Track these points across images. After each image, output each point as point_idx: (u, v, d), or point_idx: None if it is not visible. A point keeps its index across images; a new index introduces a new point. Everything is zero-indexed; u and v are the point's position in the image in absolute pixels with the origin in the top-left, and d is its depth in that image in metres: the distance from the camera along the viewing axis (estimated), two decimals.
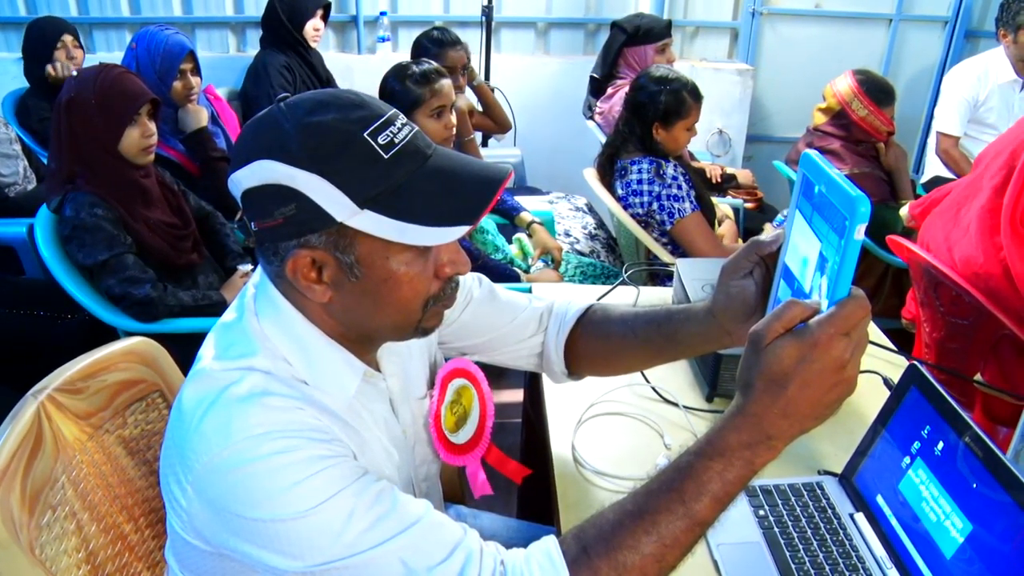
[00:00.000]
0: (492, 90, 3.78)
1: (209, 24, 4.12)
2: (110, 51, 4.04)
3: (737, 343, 1.01)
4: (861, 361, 0.81)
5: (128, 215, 2.13)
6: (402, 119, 0.90)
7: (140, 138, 2.14)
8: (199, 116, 2.77)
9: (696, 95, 2.56)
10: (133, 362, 1.25)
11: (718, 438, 0.84)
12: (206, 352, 0.96)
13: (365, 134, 0.86)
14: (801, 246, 0.85)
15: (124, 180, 2.15)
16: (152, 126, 2.18)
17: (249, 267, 2.42)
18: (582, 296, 1.35)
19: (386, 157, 0.86)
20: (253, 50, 3.72)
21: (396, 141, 0.87)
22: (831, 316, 0.77)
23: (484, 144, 4.10)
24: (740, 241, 2.82)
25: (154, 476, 1.25)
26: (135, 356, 1.26)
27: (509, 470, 1.30)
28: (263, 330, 0.95)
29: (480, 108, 3.74)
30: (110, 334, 2.16)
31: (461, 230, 0.88)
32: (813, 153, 0.84)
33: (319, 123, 0.86)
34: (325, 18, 3.61)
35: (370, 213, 0.86)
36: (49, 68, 3.22)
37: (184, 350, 1.65)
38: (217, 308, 2.23)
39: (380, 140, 0.86)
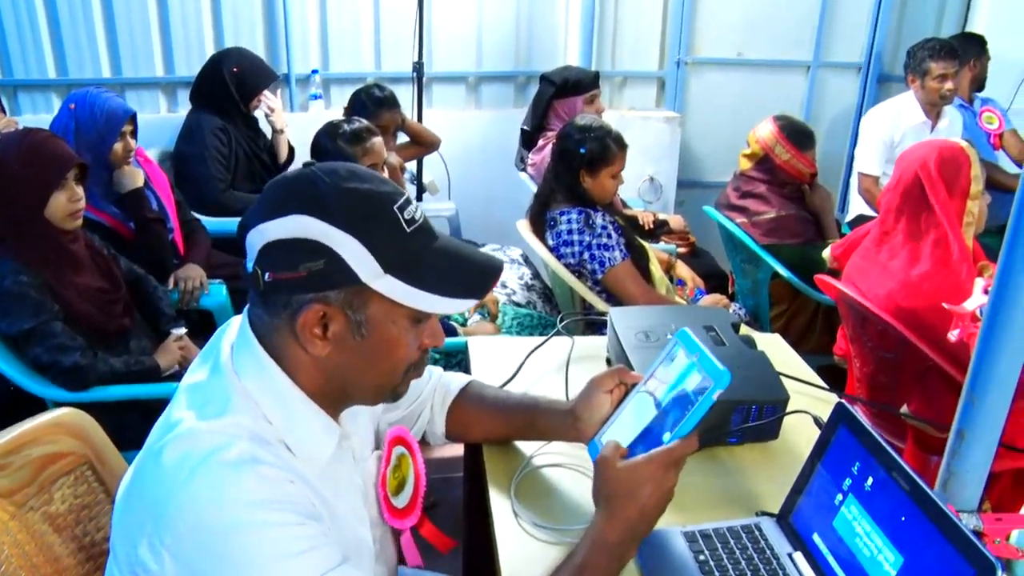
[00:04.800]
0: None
1: (138, 85, 4.09)
2: (36, 113, 3.96)
3: (585, 441, 1.26)
4: None
5: (55, 281, 2.08)
6: (415, 202, 1.01)
7: (67, 203, 2.10)
8: (135, 176, 2.73)
9: (620, 143, 2.61)
10: (60, 434, 1.22)
11: (600, 538, 1.05)
12: (181, 413, 0.96)
13: (395, 207, 0.96)
14: (659, 388, 1.13)
15: (50, 245, 2.10)
16: (80, 190, 2.15)
17: (183, 331, 2.38)
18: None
19: (408, 231, 0.97)
20: (184, 110, 3.68)
21: (416, 218, 0.99)
22: (670, 449, 1.04)
23: (419, 198, 4.11)
24: (671, 285, 2.86)
25: (83, 553, 1.20)
26: (62, 428, 1.22)
27: (438, 541, 1.35)
28: (245, 388, 0.97)
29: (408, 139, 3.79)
30: (38, 405, 2.10)
31: (469, 302, 1.02)
32: (689, 331, 1.13)
33: (357, 189, 0.95)
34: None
35: (391, 278, 0.95)
36: None
37: (116, 419, 1.62)
38: (150, 373, 2.18)
39: (405, 215, 0.97)
